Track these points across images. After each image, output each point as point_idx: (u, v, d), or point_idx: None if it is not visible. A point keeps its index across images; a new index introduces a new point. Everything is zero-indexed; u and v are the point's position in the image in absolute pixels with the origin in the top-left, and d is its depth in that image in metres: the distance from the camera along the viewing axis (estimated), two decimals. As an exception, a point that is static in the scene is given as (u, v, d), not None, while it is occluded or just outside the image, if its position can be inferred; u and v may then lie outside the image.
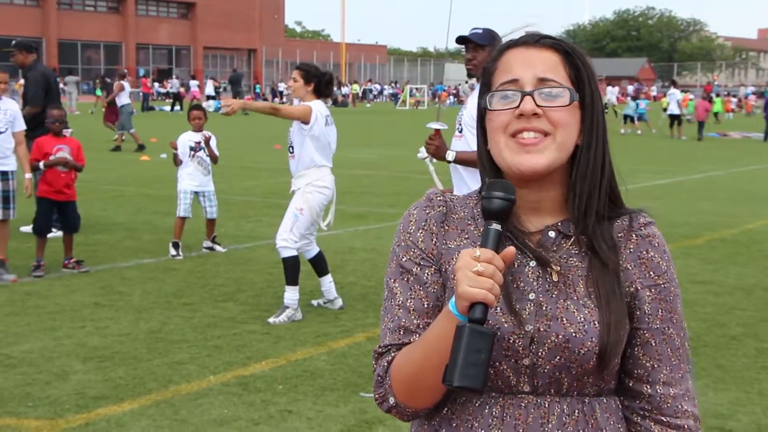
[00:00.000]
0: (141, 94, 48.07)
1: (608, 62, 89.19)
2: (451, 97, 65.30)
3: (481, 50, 5.46)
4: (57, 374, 5.71)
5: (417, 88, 63.81)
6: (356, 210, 12.56)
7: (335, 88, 64.15)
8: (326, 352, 6.30)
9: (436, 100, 60.66)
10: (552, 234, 1.68)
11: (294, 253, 7.13)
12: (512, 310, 1.60)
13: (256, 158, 20.36)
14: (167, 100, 53.01)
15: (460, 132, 5.40)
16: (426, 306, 1.67)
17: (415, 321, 1.67)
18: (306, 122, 7.02)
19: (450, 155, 5.28)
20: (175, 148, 9.62)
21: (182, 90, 50.39)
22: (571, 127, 1.64)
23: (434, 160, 5.57)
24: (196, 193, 9.67)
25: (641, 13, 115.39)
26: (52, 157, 8.45)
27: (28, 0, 65.65)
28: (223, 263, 9.20)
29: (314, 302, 7.64)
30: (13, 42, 10.88)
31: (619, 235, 1.69)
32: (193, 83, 50.72)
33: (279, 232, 7.14)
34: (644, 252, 1.68)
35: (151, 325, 6.89)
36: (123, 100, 22.05)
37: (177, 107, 47.68)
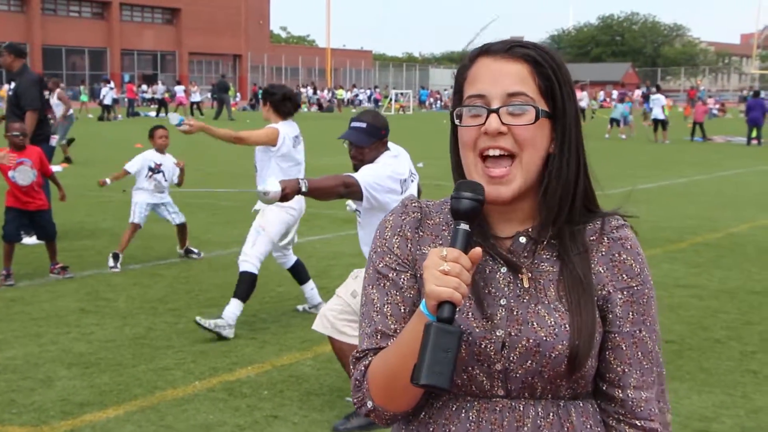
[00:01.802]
0: (126, 99, 47.95)
1: (592, 67, 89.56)
2: (437, 102, 65.44)
3: (366, 148, 5.03)
4: (42, 381, 5.69)
5: (402, 93, 63.85)
6: (346, 215, 12.54)
7: (311, 93, 64.41)
8: (312, 357, 6.30)
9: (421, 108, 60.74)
10: (523, 240, 1.68)
11: (251, 269, 6.88)
12: (484, 315, 1.62)
13: (243, 163, 20.32)
14: (152, 106, 52.89)
15: None
16: (402, 311, 1.69)
17: (391, 326, 1.68)
18: (273, 145, 6.95)
19: None
20: (104, 184, 9.39)
21: (167, 96, 50.24)
22: (537, 145, 1.64)
23: None
24: (155, 205, 9.45)
25: (625, 18, 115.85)
26: (10, 173, 8.32)
27: (12, 5, 65.40)
28: (209, 269, 9.19)
29: (299, 307, 7.64)
30: (4, 44, 10.73)
31: (591, 238, 1.68)
32: (179, 89, 50.60)
33: (244, 250, 6.98)
34: (616, 254, 1.67)
35: (136, 330, 6.88)
36: (60, 110, 20.34)
37: (162, 113, 47.59)
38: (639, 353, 1.66)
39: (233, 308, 6.78)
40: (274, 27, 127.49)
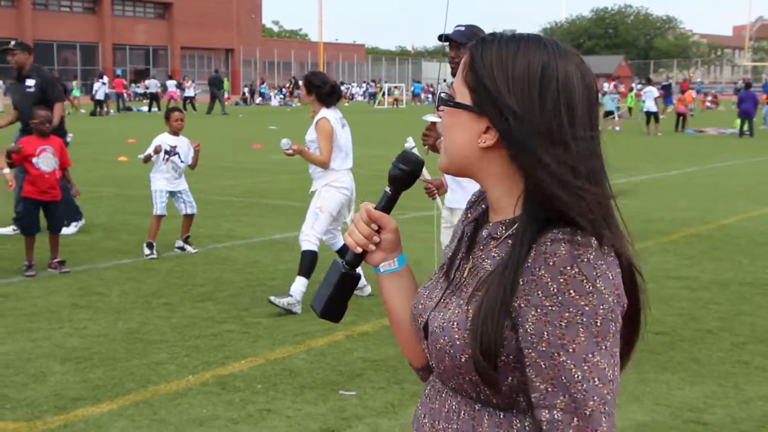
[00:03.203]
0: (115, 94, 47.84)
1: (586, 60, 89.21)
2: (430, 96, 65.37)
3: (464, 48, 5.51)
4: (35, 376, 5.69)
5: (396, 87, 63.78)
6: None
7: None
8: (305, 350, 6.31)
9: (415, 103, 60.75)
10: (485, 233, 1.68)
11: (312, 248, 7.42)
12: (429, 295, 1.73)
13: (234, 158, 20.34)
14: (144, 101, 52.78)
15: None
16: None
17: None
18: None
19: None
20: (157, 152, 9.43)
21: (160, 91, 50.12)
22: (454, 132, 1.65)
23: (428, 151, 5.63)
24: (171, 193, 9.60)
25: (618, 11, 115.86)
26: (34, 159, 8.41)
27: (3, 0, 65.16)
28: (202, 263, 9.19)
29: None
30: (13, 42, 10.78)
31: (532, 246, 1.54)
32: (171, 83, 50.50)
33: (303, 229, 7.51)
34: (536, 269, 1.51)
35: (129, 325, 6.88)
36: None
37: (155, 108, 47.52)
38: (562, 378, 1.49)
39: (299, 285, 7.29)
40: (266, 21, 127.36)
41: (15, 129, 10.52)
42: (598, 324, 1.49)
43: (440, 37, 5.65)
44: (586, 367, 1.48)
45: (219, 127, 32.50)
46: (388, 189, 1.75)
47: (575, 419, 1.48)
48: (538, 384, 1.51)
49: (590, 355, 1.48)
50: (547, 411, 1.50)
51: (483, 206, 1.77)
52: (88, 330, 6.74)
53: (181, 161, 9.60)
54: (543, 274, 1.50)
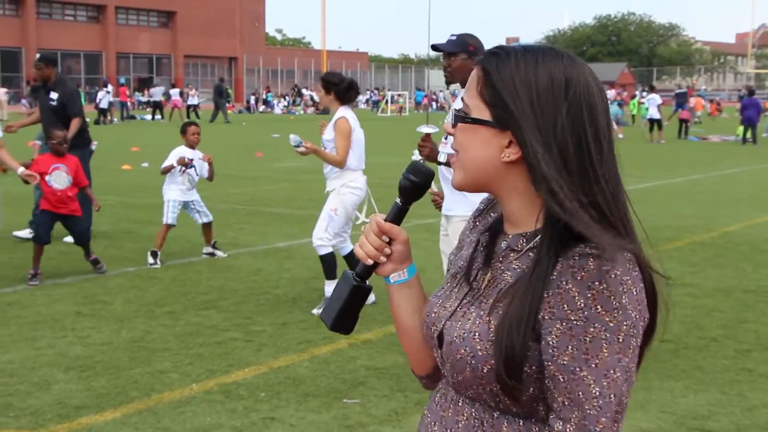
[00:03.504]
0: (119, 103, 47.92)
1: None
2: (433, 104, 65.39)
3: (455, 57, 5.58)
4: (38, 384, 5.69)
5: (399, 95, 63.84)
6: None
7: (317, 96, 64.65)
8: (308, 358, 6.31)
9: (421, 106, 60.85)
10: (503, 245, 1.69)
11: (329, 250, 7.60)
12: (443, 304, 1.72)
13: (238, 166, 20.35)
14: (148, 109, 52.88)
15: (446, 139, 5.52)
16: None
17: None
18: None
19: (442, 156, 5.47)
20: (183, 164, 9.57)
21: (163, 99, 50.22)
22: (472, 148, 1.65)
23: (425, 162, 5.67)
24: (184, 203, 9.69)
25: (621, 18, 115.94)
26: (47, 177, 8.66)
27: (7, 9, 65.34)
28: (205, 271, 9.20)
29: None
30: (38, 56, 10.99)
31: (559, 259, 1.55)
32: (174, 92, 50.57)
33: (315, 231, 7.62)
34: (563, 282, 1.52)
35: (133, 333, 6.88)
36: None
37: (158, 116, 47.61)
38: (579, 393, 1.51)
39: (331, 288, 7.50)
40: (269, 29, 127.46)
41: (26, 135, 10.64)
42: (621, 340, 1.51)
43: (433, 47, 5.76)
44: (605, 383, 1.50)
45: (222, 136, 32.54)
46: (398, 200, 1.74)
47: None
48: (556, 395, 1.53)
49: (610, 371, 1.51)
50: (561, 423, 1.53)
51: (493, 214, 1.78)
52: (92, 338, 6.75)
53: (197, 174, 9.73)
54: (570, 288, 1.52)
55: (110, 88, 44.84)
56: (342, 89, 7.65)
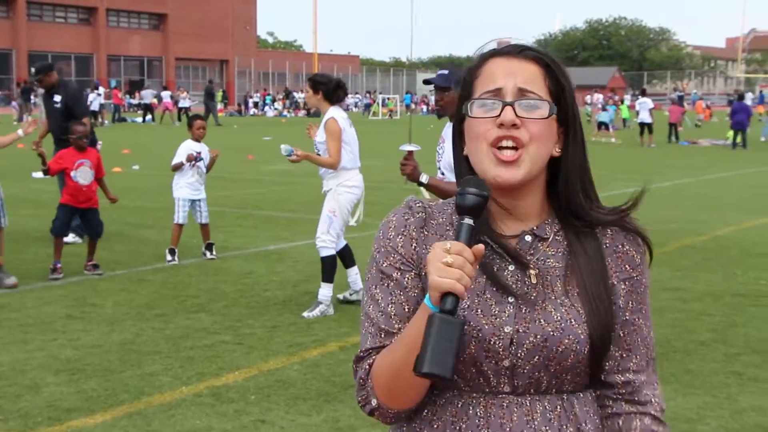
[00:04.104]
0: (112, 105, 47.85)
1: (580, 71, 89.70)
2: (424, 107, 65.44)
3: (447, 92, 5.62)
4: (29, 387, 5.68)
5: (390, 98, 63.90)
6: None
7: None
8: (299, 361, 6.31)
9: (409, 112, 60.84)
10: (528, 238, 1.73)
11: (332, 252, 7.62)
12: (492, 312, 1.66)
13: (229, 169, 20.32)
14: (139, 112, 52.82)
15: (443, 175, 5.55)
16: (406, 310, 1.71)
17: (396, 325, 1.71)
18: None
19: (424, 178, 5.40)
20: (190, 160, 9.78)
21: (155, 101, 50.16)
22: (546, 140, 1.69)
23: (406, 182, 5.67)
24: (192, 201, 9.85)
25: (612, 23, 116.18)
26: (72, 173, 8.86)
27: (-2, 11, 65.21)
28: (196, 274, 9.19)
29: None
30: (33, 69, 11.19)
31: (596, 230, 1.75)
32: (165, 94, 50.50)
33: (317, 234, 7.68)
34: (620, 246, 1.75)
35: (123, 336, 6.88)
36: None
37: (149, 117, 47.55)
38: (637, 339, 1.74)
39: (326, 291, 7.58)
40: (261, 32, 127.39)
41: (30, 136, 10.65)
42: (649, 282, 1.78)
43: (424, 81, 5.81)
44: (649, 324, 1.77)
45: (213, 138, 32.43)
46: (468, 220, 1.57)
47: (644, 375, 1.75)
48: (613, 352, 1.72)
49: (650, 314, 1.78)
50: (619, 375, 1.73)
51: (447, 221, 1.77)
52: (82, 341, 6.74)
53: (205, 167, 9.99)
54: (628, 249, 1.76)
55: (101, 90, 44.78)
56: (330, 89, 7.67)
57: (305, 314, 7.46)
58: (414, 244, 1.74)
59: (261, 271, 9.39)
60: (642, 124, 31.95)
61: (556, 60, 1.73)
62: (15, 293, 8.24)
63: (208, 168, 10.11)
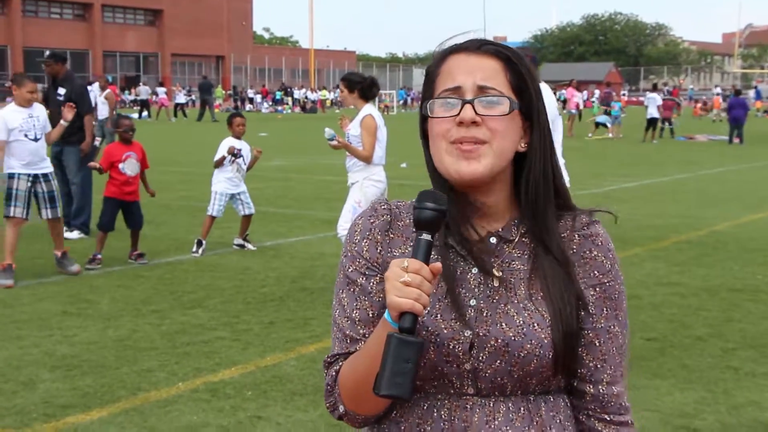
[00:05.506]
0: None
1: (576, 67, 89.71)
2: (416, 103, 65.40)
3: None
4: (24, 383, 5.67)
5: (386, 93, 63.90)
6: (326, 216, 12.57)
7: (311, 93, 64.83)
8: (295, 357, 6.30)
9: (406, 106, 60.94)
10: (493, 240, 1.69)
11: None
12: (453, 317, 1.63)
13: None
14: (135, 108, 52.76)
15: None
16: (371, 315, 1.70)
17: (360, 330, 1.69)
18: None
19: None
20: (232, 153, 9.93)
21: (151, 98, 50.10)
22: (509, 135, 1.66)
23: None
24: (231, 195, 10.03)
25: (608, 18, 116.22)
26: (120, 165, 9.18)
27: (-7, 7, 65.07)
28: (192, 270, 9.17)
29: None
30: (47, 53, 11.30)
31: (563, 235, 1.70)
32: (161, 90, 50.44)
33: (340, 222, 8.05)
34: (587, 251, 1.69)
35: (119, 332, 6.86)
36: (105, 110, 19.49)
37: (144, 113, 47.50)
38: (612, 348, 1.69)
39: None
40: (257, 28, 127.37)
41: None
42: (624, 288, 1.73)
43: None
44: (626, 331, 1.72)
45: (209, 134, 32.44)
46: (425, 235, 1.53)
47: (619, 386, 1.70)
48: (587, 360, 1.68)
49: (626, 319, 1.72)
50: (591, 386, 1.69)
51: (402, 223, 1.74)
52: (78, 337, 6.72)
53: (245, 163, 10.14)
54: (596, 255, 1.69)
55: (96, 85, 44.67)
56: (366, 86, 8.01)
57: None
58: (379, 248, 1.72)
59: (258, 266, 9.37)
60: (650, 120, 31.50)
61: (519, 54, 1.69)
62: (11, 290, 8.21)
63: (249, 166, 10.26)
